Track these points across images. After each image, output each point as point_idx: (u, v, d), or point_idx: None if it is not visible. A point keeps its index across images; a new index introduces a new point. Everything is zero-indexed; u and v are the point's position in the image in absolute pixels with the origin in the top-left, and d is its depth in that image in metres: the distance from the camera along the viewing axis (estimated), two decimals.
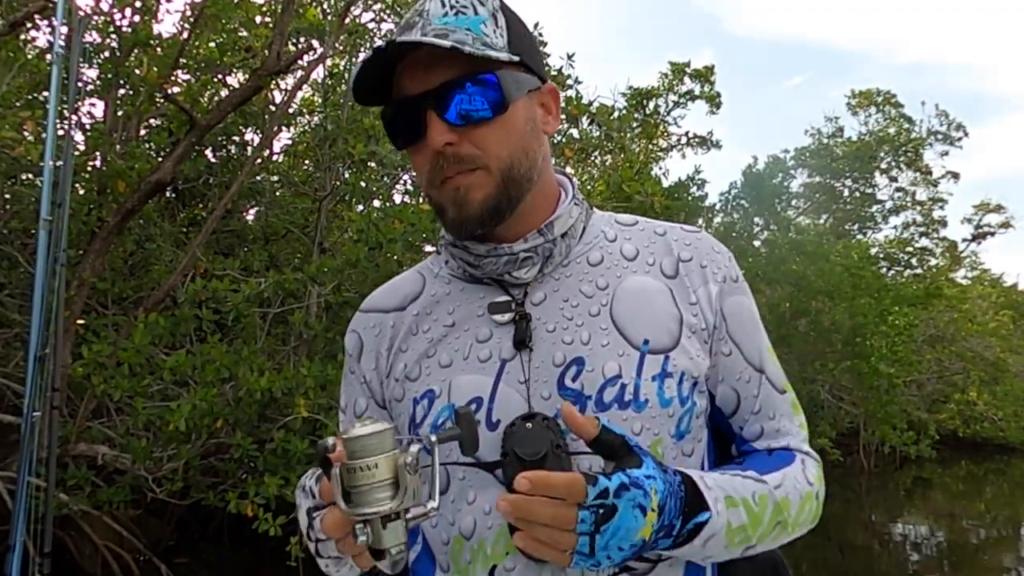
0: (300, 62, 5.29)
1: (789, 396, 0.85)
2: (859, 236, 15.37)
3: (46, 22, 4.69)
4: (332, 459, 0.61)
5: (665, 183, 7.68)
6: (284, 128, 6.23)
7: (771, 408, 0.83)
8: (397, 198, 5.94)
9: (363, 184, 5.11)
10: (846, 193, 16.07)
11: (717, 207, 13.60)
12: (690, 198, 9.16)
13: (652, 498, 0.64)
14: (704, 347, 0.80)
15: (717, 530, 0.69)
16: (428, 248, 4.71)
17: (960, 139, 16.03)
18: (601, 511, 0.61)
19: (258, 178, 5.88)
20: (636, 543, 0.64)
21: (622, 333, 0.77)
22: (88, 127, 5.08)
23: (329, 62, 6.29)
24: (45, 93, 4.68)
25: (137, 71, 4.98)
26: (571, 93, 5.39)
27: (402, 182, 5.82)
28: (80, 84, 4.68)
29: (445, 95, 0.73)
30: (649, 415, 0.74)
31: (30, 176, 4.82)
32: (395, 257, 4.22)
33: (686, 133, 9.83)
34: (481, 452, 0.73)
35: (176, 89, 5.19)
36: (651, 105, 8.81)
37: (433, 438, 0.65)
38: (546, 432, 0.70)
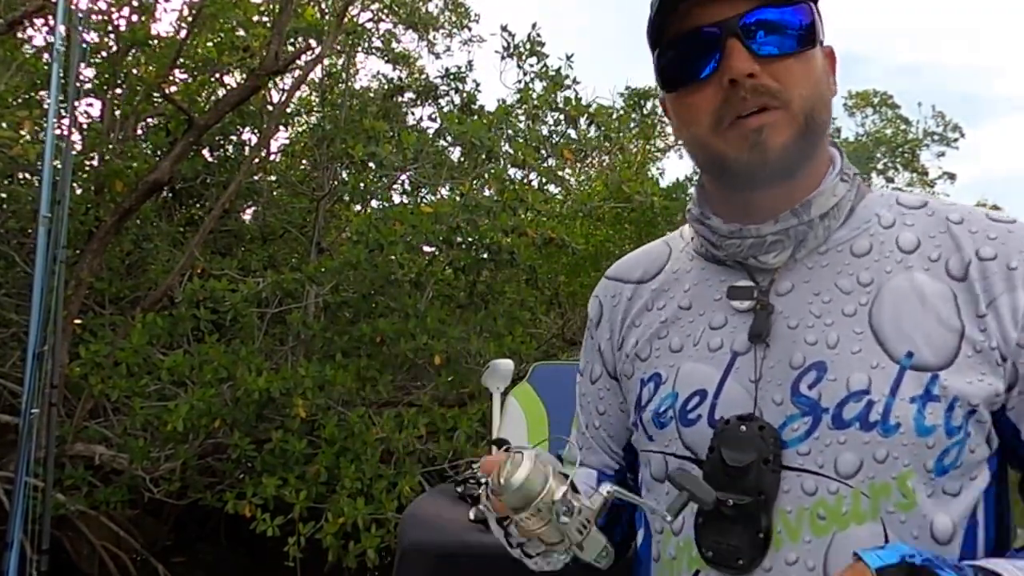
0: (298, 62, 5.29)
1: None
2: None
3: (43, 21, 4.69)
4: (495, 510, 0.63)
5: (662, 183, 7.69)
6: (282, 128, 6.23)
7: None
8: (396, 198, 5.94)
9: (361, 185, 5.11)
10: None
11: None
12: (689, 198, 9.18)
13: None
14: (996, 371, 0.63)
15: None
16: (427, 248, 4.71)
17: (957, 140, 16.07)
18: None
19: (255, 178, 5.87)
20: None
21: (880, 340, 0.65)
22: (85, 127, 5.07)
23: (327, 62, 6.29)
24: (42, 93, 4.68)
25: (135, 71, 4.97)
26: (569, 94, 5.39)
27: (399, 182, 5.82)
28: (78, 83, 4.67)
29: (752, 22, 0.65)
30: (899, 441, 0.62)
31: (27, 176, 4.82)
32: (395, 259, 4.22)
33: None
34: (697, 446, 0.69)
35: (174, 89, 5.19)
36: (648, 105, 8.81)
37: (668, 518, 0.64)
38: (758, 440, 0.64)
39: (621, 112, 6.38)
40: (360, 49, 6.56)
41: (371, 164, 4.91)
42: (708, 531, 0.68)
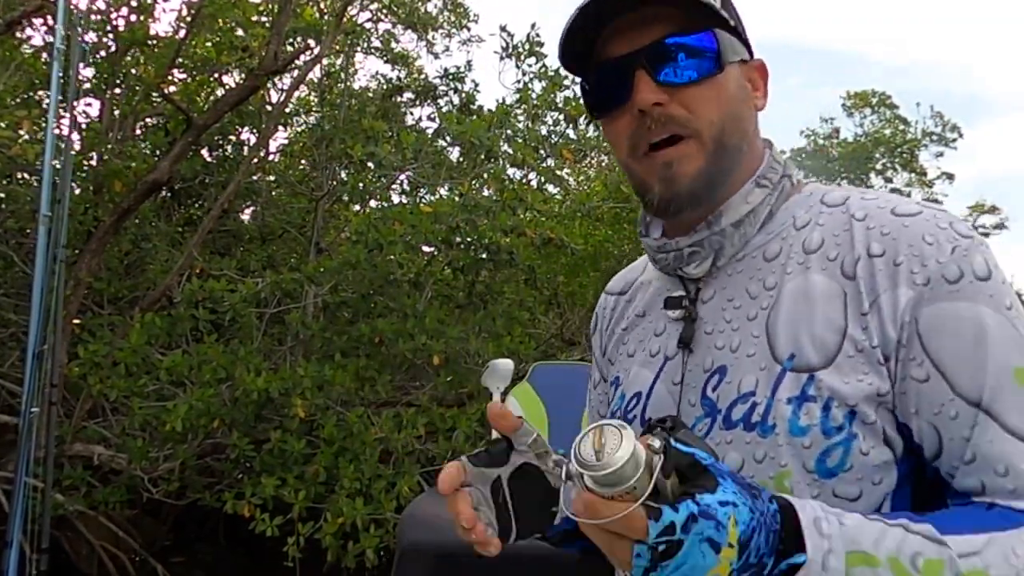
0: (297, 62, 5.29)
1: None
2: None
3: (41, 21, 4.69)
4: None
5: None
6: (280, 128, 6.23)
7: (999, 459, 0.60)
8: (395, 198, 5.94)
9: (360, 185, 5.11)
10: None
11: None
12: None
13: (729, 531, 0.49)
14: (877, 369, 0.63)
15: None
16: (426, 248, 4.71)
17: (955, 140, 16.09)
18: (662, 548, 0.49)
19: (254, 178, 5.87)
20: None
21: (770, 343, 0.66)
22: (84, 126, 5.07)
23: (326, 62, 6.29)
24: (41, 92, 4.67)
25: (134, 70, 4.97)
26: (568, 94, 5.39)
27: (398, 182, 5.82)
28: (77, 83, 4.67)
29: (657, 52, 0.67)
30: (775, 442, 0.63)
31: (25, 175, 4.81)
32: (394, 259, 4.22)
33: None
34: None
35: (173, 88, 5.19)
36: None
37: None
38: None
39: None
40: (359, 49, 6.57)
41: (370, 164, 4.91)
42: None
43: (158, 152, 5.36)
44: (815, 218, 0.70)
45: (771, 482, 0.63)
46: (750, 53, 0.74)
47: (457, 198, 4.53)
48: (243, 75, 5.83)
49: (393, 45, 6.75)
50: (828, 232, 0.68)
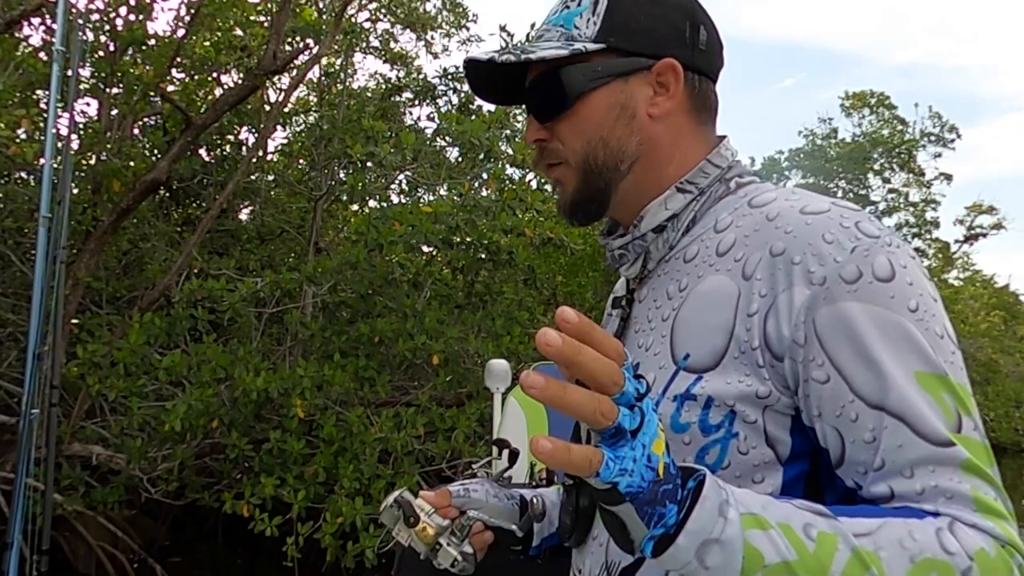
0: (296, 62, 5.29)
1: (956, 451, 0.57)
2: None
3: (39, 20, 4.68)
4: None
5: None
6: (279, 127, 6.22)
7: (905, 464, 0.57)
8: (394, 198, 5.94)
9: (359, 185, 5.11)
10: (840, 194, 16.13)
11: None
12: None
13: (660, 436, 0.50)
14: (756, 371, 0.62)
15: (729, 541, 0.50)
16: (425, 248, 4.71)
17: (953, 141, 16.13)
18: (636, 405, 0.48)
19: (253, 177, 5.87)
20: (654, 466, 0.49)
21: (672, 343, 0.69)
22: (82, 126, 5.06)
23: (325, 61, 6.29)
24: (39, 92, 4.67)
25: (132, 70, 4.96)
26: None
27: (397, 182, 5.82)
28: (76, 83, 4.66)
29: (529, 95, 0.77)
30: (672, 437, 0.65)
31: (23, 175, 4.80)
32: (394, 259, 4.22)
33: None
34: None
35: (171, 88, 5.18)
36: None
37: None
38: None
39: None
40: (358, 49, 6.57)
41: (369, 164, 4.91)
42: (563, 510, 0.79)
43: (156, 152, 5.35)
44: (736, 220, 0.70)
45: None
46: (656, 55, 0.74)
47: (456, 198, 4.53)
48: (242, 75, 5.83)
49: (392, 45, 6.75)
50: (741, 233, 0.68)
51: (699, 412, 0.64)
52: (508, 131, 5.29)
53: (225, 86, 5.78)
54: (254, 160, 5.50)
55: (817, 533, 0.53)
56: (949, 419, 0.58)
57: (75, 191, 4.73)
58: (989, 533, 0.56)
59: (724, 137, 0.78)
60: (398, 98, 6.57)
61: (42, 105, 4.51)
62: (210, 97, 5.71)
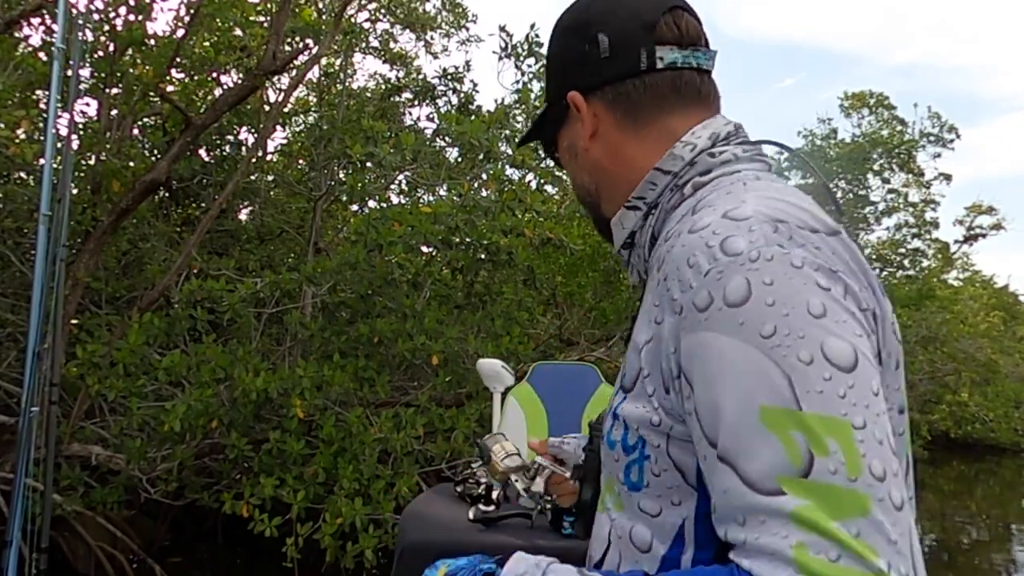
0: (295, 62, 5.29)
1: (784, 501, 0.50)
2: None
3: (39, 20, 4.67)
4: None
5: None
6: (279, 127, 6.22)
7: (734, 510, 0.53)
8: (393, 198, 5.94)
9: (359, 185, 5.11)
10: (839, 194, 16.14)
11: None
12: None
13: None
14: (647, 399, 0.62)
15: None
16: (424, 248, 4.71)
17: (952, 141, 16.13)
18: None
19: (253, 177, 5.87)
20: None
21: (627, 361, 0.69)
22: (82, 126, 5.06)
23: (324, 61, 6.29)
24: (39, 92, 4.66)
25: (132, 70, 4.96)
26: None
27: (397, 183, 5.82)
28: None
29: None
30: (607, 452, 0.69)
31: (22, 175, 4.80)
32: (394, 259, 4.22)
33: None
34: None
35: (171, 88, 5.18)
36: None
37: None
38: (599, 435, 0.81)
39: None
40: (357, 49, 6.57)
41: (368, 164, 4.92)
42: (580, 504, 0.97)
43: (156, 152, 5.35)
44: (673, 230, 0.65)
45: (606, 484, 0.71)
46: (563, 96, 0.78)
47: (456, 198, 4.53)
48: (241, 75, 5.83)
49: (392, 45, 6.75)
50: (667, 249, 0.63)
51: (621, 432, 0.66)
52: (508, 131, 5.28)
53: (225, 86, 5.78)
54: (254, 160, 5.50)
55: None
56: (794, 461, 0.50)
57: (75, 191, 4.73)
58: None
59: (702, 121, 0.72)
60: (398, 98, 6.56)
61: (42, 105, 4.51)
62: (210, 97, 5.71)
